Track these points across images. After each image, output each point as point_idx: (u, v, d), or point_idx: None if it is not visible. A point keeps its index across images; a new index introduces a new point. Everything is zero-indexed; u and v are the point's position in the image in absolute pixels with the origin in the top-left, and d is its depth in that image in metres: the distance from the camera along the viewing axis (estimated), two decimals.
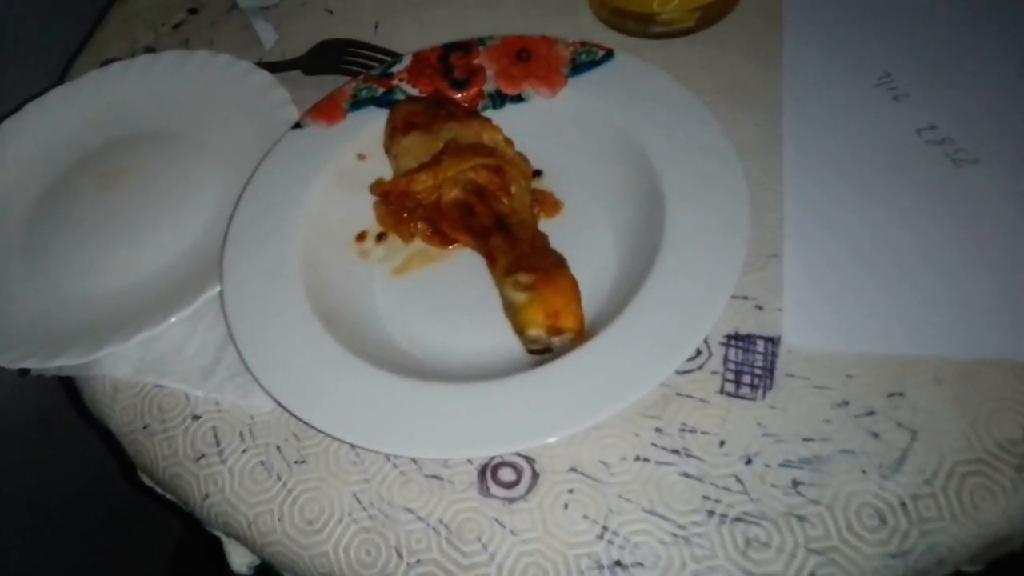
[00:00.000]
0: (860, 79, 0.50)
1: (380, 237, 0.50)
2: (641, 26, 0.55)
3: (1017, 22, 0.51)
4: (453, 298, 0.47)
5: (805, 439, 0.39)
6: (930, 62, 0.50)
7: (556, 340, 0.41)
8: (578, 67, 0.50)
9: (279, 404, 0.42)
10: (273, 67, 0.60)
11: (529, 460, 0.41)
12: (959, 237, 0.43)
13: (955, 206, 0.44)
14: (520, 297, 0.41)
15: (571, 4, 0.59)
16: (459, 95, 0.51)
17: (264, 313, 0.45)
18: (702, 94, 0.48)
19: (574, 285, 0.42)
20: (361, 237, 0.50)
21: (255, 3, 0.66)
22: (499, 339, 0.44)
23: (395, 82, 0.52)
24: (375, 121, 0.51)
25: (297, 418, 0.42)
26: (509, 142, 0.47)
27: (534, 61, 0.51)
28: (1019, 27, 0.50)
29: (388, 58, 0.57)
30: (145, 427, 0.47)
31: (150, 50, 0.66)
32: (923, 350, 0.40)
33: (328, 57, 0.59)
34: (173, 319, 0.47)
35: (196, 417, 0.46)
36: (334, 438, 0.42)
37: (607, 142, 0.48)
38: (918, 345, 0.40)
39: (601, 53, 0.50)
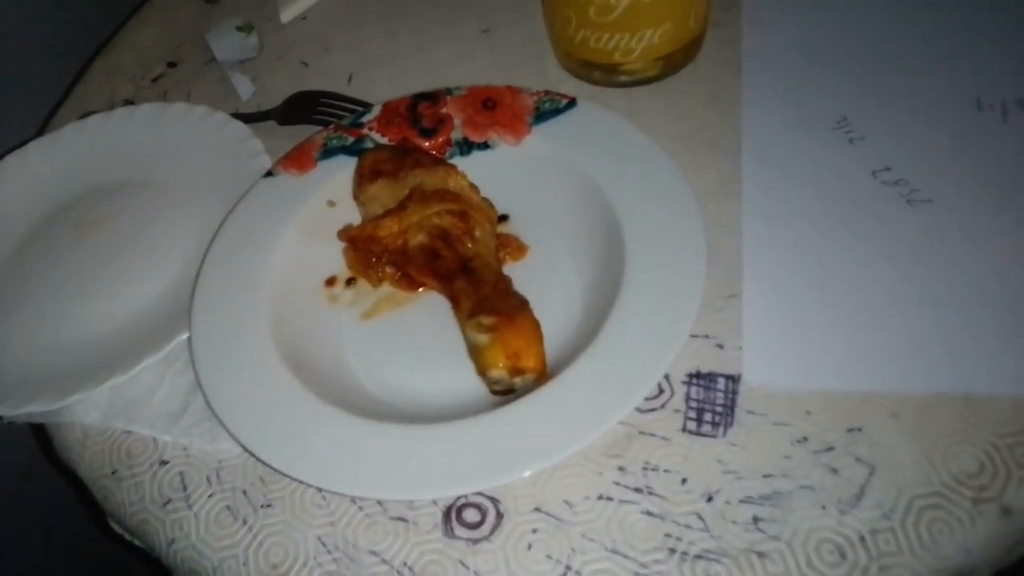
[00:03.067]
0: (817, 123, 0.51)
1: (349, 282, 0.51)
2: (606, 76, 0.57)
3: (967, 66, 0.52)
4: (420, 341, 0.47)
5: (765, 475, 0.39)
6: (885, 106, 0.51)
7: (518, 381, 0.41)
8: (542, 115, 0.51)
9: (245, 449, 0.42)
10: (248, 118, 0.61)
11: (494, 500, 0.41)
12: (914, 275, 0.44)
13: (910, 245, 0.45)
14: (482, 339, 0.41)
15: (539, 55, 0.61)
16: (427, 143, 0.52)
17: (232, 358, 0.45)
18: (663, 140, 0.50)
19: (535, 326, 0.42)
20: (331, 282, 0.51)
21: (232, 57, 0.68)
22: (464, 381, 0.44)
23: (365, 131, 0.53)
24: (345, 169, 0.52)
25: (263, 463, 0.42)
26: (474, 188, 0.48)
27: (500, 110, 0.52)
28: (969, 71, 0.52)
29: (360, 108, 0.58)
30: (113, 473, 0.47)
31: (129, 103, 0.68)
32: (880, 386, 0.41)
33: (302, 108, 0.61)
34: (142, 365, 0.47)
35: (164, 462, 0.46)
36: (300, 482, 0.42)
37: (570, 187, 0.49)
38: (875, 381, 0.41)
39: (564, 102, 0.52)
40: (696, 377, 0.43)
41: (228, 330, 0.46)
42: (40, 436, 0.51)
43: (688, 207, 0.45)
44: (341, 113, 0.59)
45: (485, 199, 0.49)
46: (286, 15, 0.71)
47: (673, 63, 0.56)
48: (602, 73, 0.57)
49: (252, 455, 0.42)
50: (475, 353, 0.42)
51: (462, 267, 0.45)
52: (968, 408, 0.40)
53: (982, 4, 0.56)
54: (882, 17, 0.57)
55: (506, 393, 0.42)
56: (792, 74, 0.55)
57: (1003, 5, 0.55)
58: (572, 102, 0.52)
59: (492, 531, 0.40)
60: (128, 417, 0.48)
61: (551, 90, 0.53)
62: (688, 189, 0.46)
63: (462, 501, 0.41)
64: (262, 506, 0.43)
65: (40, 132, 0.69)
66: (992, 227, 0.45)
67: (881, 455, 0.39)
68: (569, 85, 0.58)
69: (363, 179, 0.49)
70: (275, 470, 0.41)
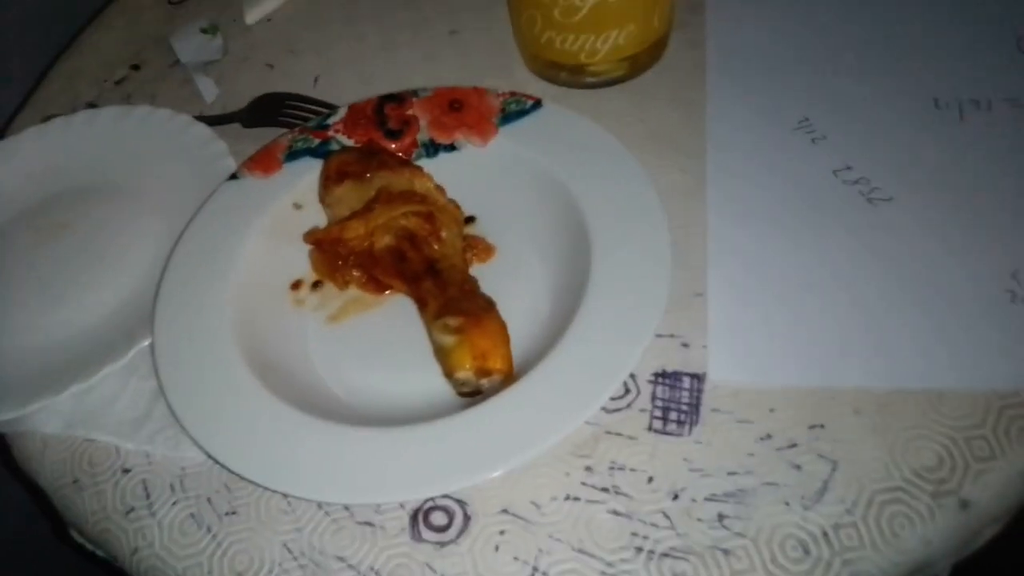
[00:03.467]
0: (780, 124, 0.52)
1: (315, 285, 0.50)
2: (573, 77, 0.57)
3: (924, 67, 0.53)
4: (386, 343, 0.47)
5: (730, 473, 0.40)
6: (846, 106, 0.52)
7: (485, 382, 0.41)
8: (508, 116, 0.52)
9: (209, 456, 0.42)
10: (213, 121, 0.60)
11: (461, 503, 0.41)
12: (875, 272, 0.45)
13: (870, 243, 0.46)
14: (448, 340, 0.41)
15: (506, 58, 0.61)
16: (393, 145, 0.52)
17: (195, 364, 0.45)
18: (628, 141, 0.50)
19: (502, 327, 0.42)
20: (296, 285, 0.50)
21: (197, 59, 0.67)
22: (431, 383, 0.44)
23: (331, 133, 0.53)
24: (311, 171, 0.52)
25: (228, 469, 0.41)
26: (440, 189, 0.48)
27: (466, 111, 0.52)
28: (926, 72, 0.53)
29: (326, 110, 0.58)
30: (75, 482, 0.46)
31: (92, 106, 0.67)
32: (843, 382, 0.41)
33: (267, 110, 0.60)
34: (104, 372, 0.47)
35: (126, 470, 0.46)
36: (265, 488, 0.42)
37: (536, 188, 0.49)
38: (838, 378, 0.41)
39: (530, 103, 0.52)
40: (662, 376, 0.43)
41: (191, 335, 0.46)
42: None
43: (653, 207, 0.45)
44: (307, 115, 0.59)
45: (451, 200, 0.49)
46: (251, 16, 0.70)
47: (639, 64, 0.56)
48: (568, 74, 0.57)
49: (216, 462, 0.42)
50: (441, 355, 0.42)
51: (428, 269, 0.45)
52: (928, 403, 0.40)
53: (939, 6, 0.57)
54: (843, 19, 0.58)
55: (473, 395, 0.42)
56: (755, 75, 0.55)
57: (959, 7, 0.56)
58: (538, 103, 0.52)
59: (459, 534, 0.40)
60: (90, 425, 0.47)
61: (517, 91, 0.53)
62: (653, 189, 0.46)
63: (429, 504, 0.41)
64: (227, 513, 0.43)
65: (1, 135, 0.68)
66: (950, 224, 0.46)
67: (843, 451, 0.39)
68: (536, 86, 0.58)
69: (329, 181, 0.49)
70: (240, 477, 0.41)
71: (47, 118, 0.64)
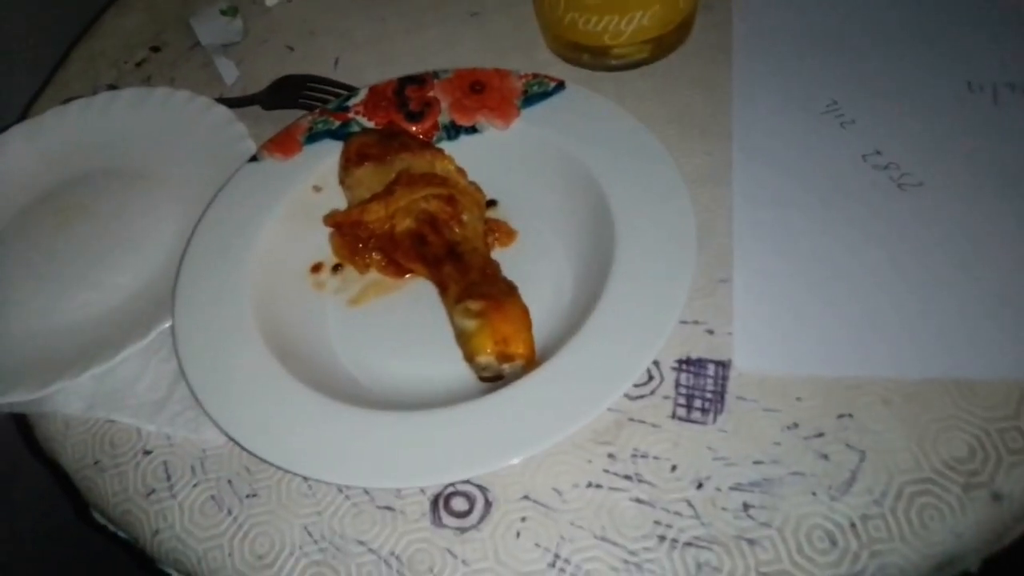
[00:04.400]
0: (807, 107, 0.51)
1: (336, 268, 0.50)
2: (596, 59, 0.56)
3: (957, 49, 0.52)
4: (407, 327, 0.47)
5: (755, 462, 0.39)
6: (875, 90, 0.51)
7: (506, 367, 0.41)
8: (530, 98, 0.51)
9: (230, 438, 0.42)
10: (233, 103, 0.60)
11: (482, 489, 0.41)
12: (904, 259, 0.44)
13: (900, 229, 0.45)
14: (470, 324, 0.41)
15: (529, 39, 0.60)
16: (414, 127, 0.52)
17: (215, 346, 0.45)
18: (653, 124, 0.49)
19: (524, 312, 0.42)
20: (317, 268, 0.50)
21: (217, 41, 0.67)
22: (452, 368, 0.44)
23: (351, 115, 0.53)
24: (331, 154, 0.51)
25: (248, 452, 0.41)
26: (461, 172, 0.48)
27: (487, 93, 0.51)
28: (959, 54, 0.52)
29: (346, 92, 0.57)
30: (96, 463, 0.46)
31: (112, 88, 0.66)
32: (871, 371, 0.41)
33: (287, 92, 0.60)
34: (125, 353, 0.47)
35: (147, 452, 0.46)
36: (286, 471, 0.42)
37: (559, 172, 0.49)
38: (866, 366, 0.41)
39: (552, 85, 0.51)
40: (686, 363, 0.43)
41: (212, 317, 0.46)
42: (22, 427, 0.50)
43: (677, 192, 0.45)
44: (327, 97, 0.58)
45: (473, 183, 0.48)
46: None
47: (663, 46, 0.55)
48: (591, 56, 0.56)
49: (237, 444, 0.42)
50: (463, 339, 0.42)
51: (449, 252, 0.44)
52: (959, 393, 0.39)
53: None
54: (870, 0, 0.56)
55: (495, 380, 0.42)
56: (782, 57, 0.54)
57: None
58: (560, 85, 0.51)
59: (480, 519, 0.40)
60: (111, 406, 0.47)
61: (539, 73, 0.52)
62: (677, 174, 0.46)
63: (450, 490, 0.41)
64: (247, 496, 0.43)
65: (22, 118, 0.68)
66: (982, 210, 0.45)
67: (872, 441, 0.39)
68: (558, 69, 0.58)
69: (349, 163, 0.49)
70: (260, 459, 0.41)
71: (67, 100, 0.64)
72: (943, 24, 0.54)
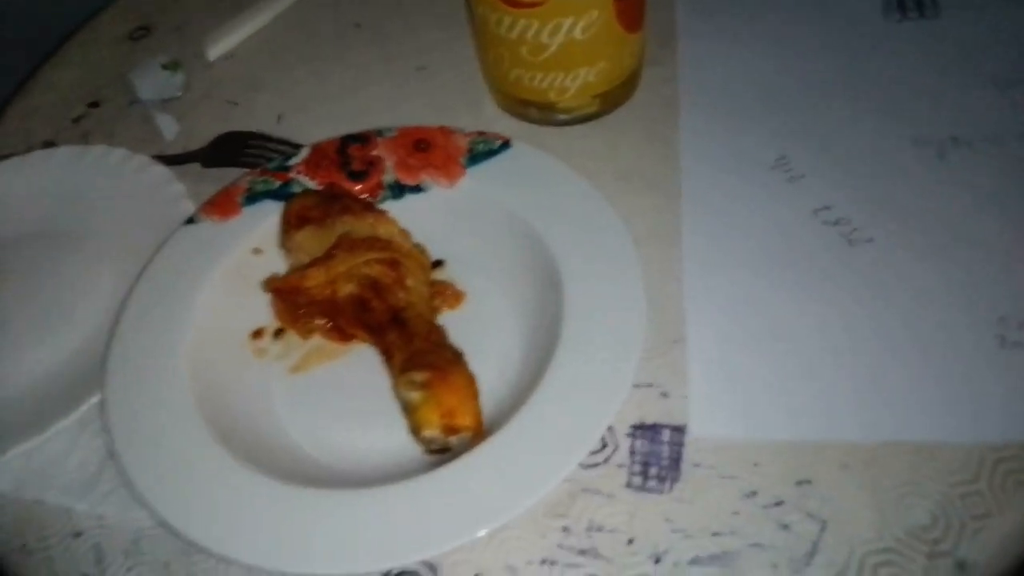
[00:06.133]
0: (757, 162, 0.51)
1: (278, 333, 0.48)
2: (543, 114, 0.55)
3: (901, 105, 0.52)
4: (351, 396, 0.45)
5: (714, 533, 0.38)
6: (823, 144, 0.51)
7: (453, 440, 0.39)
8: (476, 156, 0.50)
9: (162, 523, 0.39)
10: (172, 160, 0.58)
11: (432, 568, 0.39)
12: (858, 319, 0.43)
13: (852, 287, 0.44)
14: (414, 396, 0.39)
15: (475, 95, 0.59)
16: (357, 187, 0.50)
17: (148, 420, 0.42)
18: (601, 180, 0.48)
19: (470, 381, 0.40)
20: (258, 334, 0.48)
21: (157, 96, 0.65)
22: (399, 438, 0.42)
23: (292, 175, 0.51)
24: (271, 215, 0.50)
25: (183, 538, 0.39)
26: (405, 234, 0.46)
27: (432, 151, 0.50)
28: (903, 110, 0.52)
29: (290, 150, 0.56)
30: (23, 546, 0.43)
31: (49, 144, 0.64)
32: (829, 435, 0.40)
33: (229, 149, 0.58)
34: (52, 429, 0.44)
35: (78, 534, 0.43)
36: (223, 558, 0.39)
37: (506, 230, 0.48)
38: (824, 430, 0.40)
39: (499, 143, 0.50)
40: (640, 429, 0.41)
41: (145, 389, 0.44)
42: None
43: (626, 252, 0.44)
44: (269, 155, 0.57)
45: (418, 244, 0.47)
46: (214, 52, 0.68)
47: (610, 100, 0.55)
48: (539, 111, 0.55)
49: (171, 530, 0.39)
50: (408, 411, 0.40)
51: (393, 319, 0.43)
52: (919, 457, 0.38)
53: (917, 44, 0.56)
54: (819, 55, 0.57)
55: (442, 452, 0.40)
56: (730, 112, 0.54)
57: (937, 46, 0.55)
58: (506, 143, 0.50)
59: None
60: (40, 485, 0.45)
61: (485, 131, 0.51)
62: (626, 233, 0.45)
63: (398, 569, 0.39)
64: None
65: None
66: (933, 266, 0.44)
67: (832, 509, 0.38)
68: (505, 123, 0.57)
69: (289, 226, 0.47)
70: (198, 547, 0.38)
71: (1, 157, 0.62)
72: (889, 80, 0.54)
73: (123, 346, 0.45)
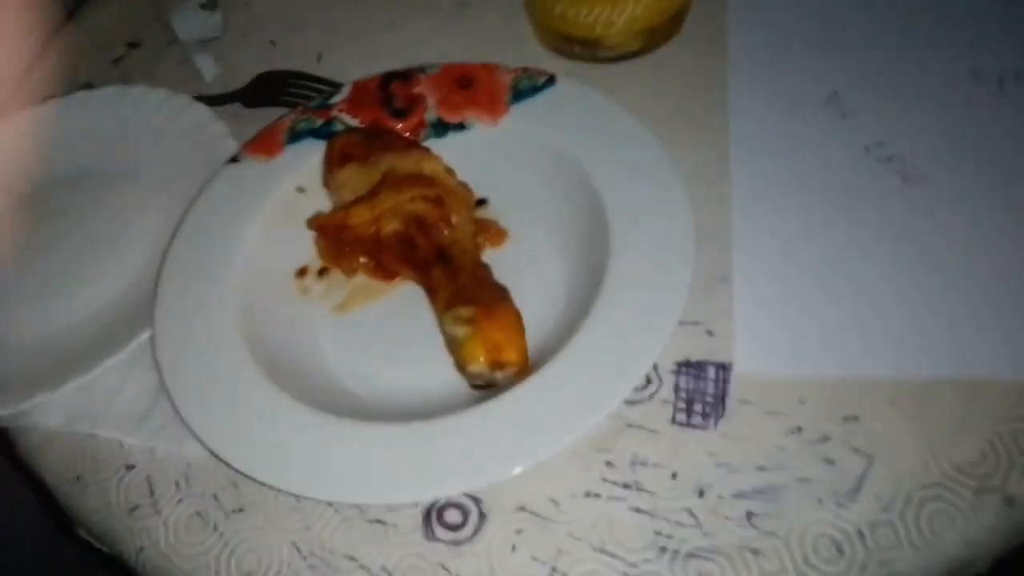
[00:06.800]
0: (807, 99, 0.49)
1: (322, 272, 0.48)
2: (587, 51, 0.54)
3: (961, 37, 0.50)
4: (396, 334, 0.45)
5: (759, 468, 0.38)
6: (877, 80, 0.49)
7: (499, 375, 0.39)
8: (520, 94, 0.49)
9: (213, 454, 0.40)
10: (213, 100, 0.58)
11: (476, 500, 0.39)
12: (909, 255, 0.42)
13: (905, 223, 0.43)
14: (460, 332, 0.39)
15: (518, 33, 0.58)
16: (400, 125, 0.50)
17: (198, 357, 0.43)
18: (647, 118, 0.47)
19: (516, 317, 0.40)
20: (302, 273, 0.48)
21: (196, 36, 0.65)
22: (444, 374, 0.42)
23: (334, 113, 0.51)
24: (314, 153, 0.50)
25: (233, 468, 0.40)
26: (450, 171, 0.46)
27: (475, 89, 0.50)
28: (963, 42, 0.50)
29: (329, 89, 0.55)
30: (78, 478, 0.45)
31: (88, 86, 0.65)
32: (877, 371, 0.39)
33: (269, 89, 0.58)
34: (104, 365, 0.45)
35: (130, 467, 0.44)
36: (272, 487, 0.40)
37: (551, 169, 0.47)
38: (872, 367, 0.39)
39: (543, 79, 0.49)
40: (685, 366, 0.41)
41: (193, 326, 0.44)
42: (2, 441, 0.49)
43: (674, 188, 0.43)
44: (310, 94, 0.56)
45: (462, 183, 0.47)
46: None
47: (656, 37, 0.54)
48: (583, 48, 0.54)
49: (221, 460, 0.40)
50: (453, 347, 0.40)
51: (438, 255, 0.43)
52: (969, 394, 0.38)
53: None
54: None
55: (487, 388, 0.41)
56: (779, 48, 0.52)
57: None
58: (551, 79, 0.49)
59: (475, 532, 0.38)
60: (92, 420, 0.46)
61: (529, 67, 0.50)
62: (674, 169, 0.44)
63: (443, 502, 0.40)
64: (233, 511, 0.41)
65: None
66: (989, 203, 0.43)
67: (879, 445, 0.37)
68: (549, 62, 0.56)
69: (333, 164, 0.47)
70: (246, 476, 0.39)
71: (42, 99, 0.62)
72: (946, 11, 0.52)
73: (171, 284, 0.46)
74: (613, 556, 0.37)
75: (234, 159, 0.50)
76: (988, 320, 0.39)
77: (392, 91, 0.51)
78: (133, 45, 0.68)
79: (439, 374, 0.43)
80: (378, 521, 0.40)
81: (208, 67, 0.62)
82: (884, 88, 0.49)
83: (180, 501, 0.42)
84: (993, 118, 0.46)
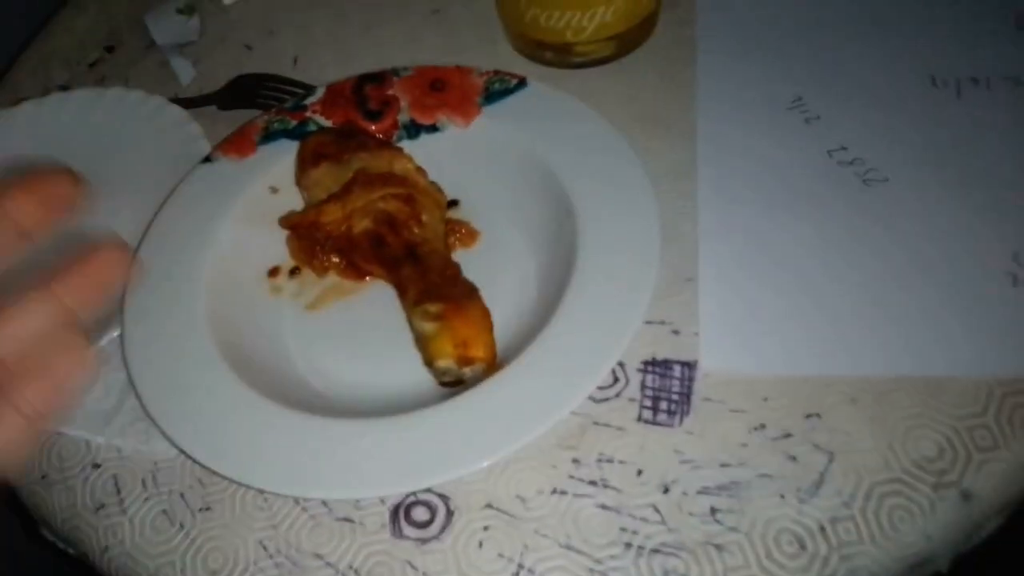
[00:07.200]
0: (772, 103, 0.50)
1: (293, 272, 0.48)
2: (559, 56, 0.55)
3: (920, 44, 0.52)
4: (366, 332, 0.46)
5: (723, 464, 0.38)
6: (840, 85, 0.50)
7: (467, 371, 0.40)
8: (491, 96, 0.50)
9: (181, 451, 0.40)
10: (188, 103, 0.58)
11: (443, 498, 0.40)
12: (870, 257, 0.43)
13: (866, 226, 0.44)
14: (429, 327, 0.40)
15: (490, 36, 0.59)
16: (373, 126, 0.50)
17: (166, 355, 0.43)
18: (617, 121, 0.48)
19: (485, 314, 0.40)
20: (274, 272, 0.49)
21: (173, 40, 0.65)
22: (413, 372, 0.43)
23: (308, 114, 0.51)
24: (287, 154, 0.50)
25: (200, 464, 0.40)
26: (421, 171, 0.46)
27: (448, 91, 0.50)
28: (922, 48, 0.51)
29: (304, 91, 0.56)
30: (43, 477, 0.45)
31: (64, 89, 0.65)
32: (838, 370, 0.40)
33: (244, 92, 0.58)
34: None
35: (96, 465, 0.44)
36: (240, 484, 0.40)
37: (521, 170, 0.48)
38: (833, 366, 0.40)
39: (514, 82, 0.50)
40: (651, 364, 0.42)
41: (163, 325, 0.44)
42: None
43: (642, 190, 0.44)
44: (285, 97, 0.57)
45: (433, 183, 0.47)
46: None
47: (627, 43, 0.55)
48: (554, 54, 0.55)
49: (188, 457, 0.40)
50: (422, 342, 0.41)
51: (408, 254, 0.43)
52: (927, 391, 0.39)
53: None
54: None
55: (455, 384, 0.41)
56: (746, 53, 0.53)
57: None
58: (522, 82, 0.50)
59: (442, 530, 0.39)
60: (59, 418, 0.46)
61: (501, 70, 0.51)
62: (642, 171, 0.45)
63: (411, 499, 0.40)
64: (200, 509, 0.41)
65: None
66: (947, 206, 0.44)
67: (840, 441, 0.38)
68: (521, 66, 0.56)
69: (305, 163, 0.47)
70: (213, 472, 0.39)
71: (17, 102, 0.62)
72: (906, 18, 0.53)
73: (141, 283, 0.46)
74: (579, 552, 0.37)
75: (207, 159, 0.50)
76: (945, 320, 0.40)
77: (366, 93, 0.51)
78: (110, 49, 0.68)
79: (408, 372, 0.43)
80: (345, 519, 0.40)
81: (184, 71, 0.63)
82: (846, 94, 0.50)
83: (146, 500, 0.42)
84: (951, 123, 0.47)
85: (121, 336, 0.44)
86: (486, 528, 0.38)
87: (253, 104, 0.57)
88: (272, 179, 0.50)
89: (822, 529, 0.36)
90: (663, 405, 0.40)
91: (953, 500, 0.36)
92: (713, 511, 0.37)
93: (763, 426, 0.39)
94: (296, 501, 0.41)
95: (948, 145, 0.46)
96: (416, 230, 0.44)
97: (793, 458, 0.38)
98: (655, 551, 0.36)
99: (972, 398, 0.38)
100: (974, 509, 0.36)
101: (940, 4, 0.53)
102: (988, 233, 0.43)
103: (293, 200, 0.50)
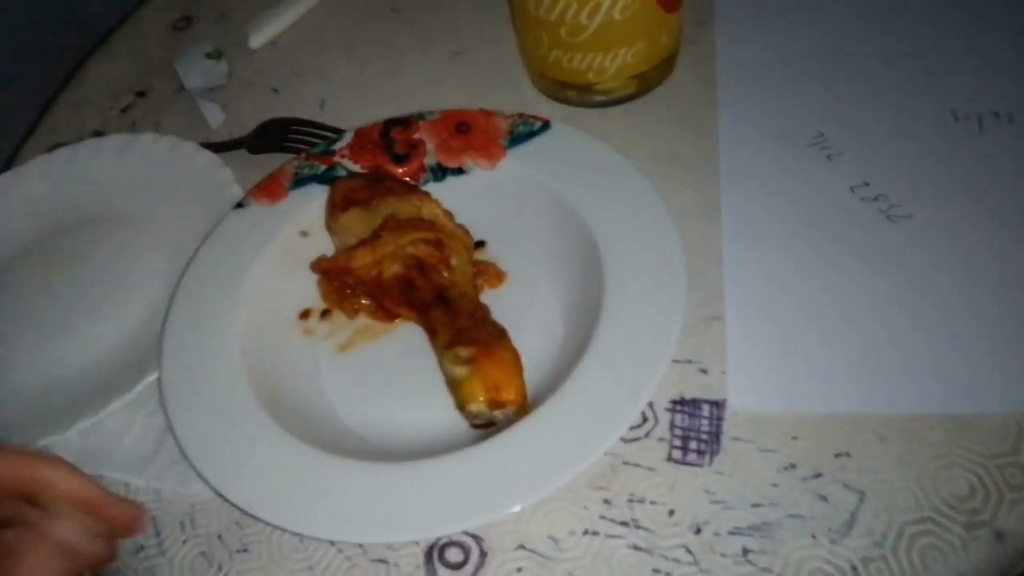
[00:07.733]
0: (794, 140, 0.51)
1: (325, 314, 0.49)
2: (581, 96, 0.56)
3: (941, 79, 0.52)
4: (397, 373, 0.46)
5: (753, 505, 0.38)
6: (862, 120, 0.51)
7: (498, 414, 0.40)
8: (516, 138, 0.51)
9: (218, 494, 0.41)
10: (219, 147, 0.60)
11: (477, 539, 0.40)
12: (895, 293, 0.43)
13: (890, 262, 0.44)
14: (460, 371, 0.40)
15: (513, 78, 0.60)
16: (400, 170, 0.51)
17: (203, 398, 0.44)
18: (640, 161, 0.49)
19: (515, 357, 0.41)
20: (305, 315, 0.49)
21: (202, 84, 0.67)
22: (444, 414, 0.43)
23: (336, 159, 0.52)
24: (317, 198, 0.51)
25: (238, 508, 0.40)
26: (448, 214, 0.47)
27: (473, 133, 0.51)
28: (943, 84, 0.52)
29: (332, 135, 0.57)
30: None
31: (98, 134, 0.66)
32: (867, 408, 0.40)
33: (273, 136, 0.60)
34: (111, 407, 0.46)
35: None
36: (276, 527, 0.41)
37: (547, 211, 0.48)
38: (862, 403, 0.40)
39: (538, 124, 0.51)
40: (680, 404, 0.42)
41: (199, 368, 0.45)
42: None
43: (666, 229, 0.44)
44: (313, 140, 0.58)
45: (461, 226, 0.48)
46: (256, 40, 0.70)
47: (648, 81, 0.56)
48: (577, 93, 0.56)
49: (226, 500, 0.41)
50: (453, 386, 0.41)
51: (438, 297, 0.44)
52: (957, 429, 0.39)
53: (955, 16, 0.55)
54: (856, 31, 0.57)
55: (487, 427, 0.41)
56: (767, 89, 0.54)
57: (976, 18, 0.55)
58: (546, 124, 0.51)
59: (476, 571, 0.39)
60: (99, 461, 0.47)
61: (525, 112, 0.52)
62: (666, 210, 0.45)
63: (444, 540, 0.40)
64: (238, 551, 0.42)
65: (7, 166, 0.68)
66: (973, 240, 0.44)
67: (870, 480, 0.38)
68: (544, 106, 0.57)
69: (335, 208, 0.48)
70: (250, 515, 0.40)
71: (52, 148, 0.64)
72: (927, 54, 0.54)
73: (177, 326, 0.47)
74: None
75: (240, 204, 0.52)
76: (974, 356, 0.40)
77: (392, 137, 0.52)
78: (141, 94, 0.70)
79: (440, 414, 0.43)
80: (380, 560, 0.40)
81: (214, 115, 0.64)
82: (867, 129, 0.50)
83: (185, 542, 0.43)
84: (973, 158, 0.48)
85: (159, 380, 0.45)
86: (519, 570, 0.39)
87: (282, 148, 0.59)
88: (303, 223, 0.51)
89: (854, 569, 0.36)
90: (692, 445, 0.41)
91: (986, 539, 0.36)
92: (745, 552, 0.37)
93: (793, 466, 0.39)
94: (331, 543, 0.41)
95: (972, 180, 0.47)
96: (445, 274, 0.45)
97: (824, 498, 0.38)
98: None
99: (1002, 436, 0.38)
100: (1007, 548, 0.36)
101: (960, 39, 0.54)
102: (1013, 269, 0.43)
103: (323, 243, 0.51)
